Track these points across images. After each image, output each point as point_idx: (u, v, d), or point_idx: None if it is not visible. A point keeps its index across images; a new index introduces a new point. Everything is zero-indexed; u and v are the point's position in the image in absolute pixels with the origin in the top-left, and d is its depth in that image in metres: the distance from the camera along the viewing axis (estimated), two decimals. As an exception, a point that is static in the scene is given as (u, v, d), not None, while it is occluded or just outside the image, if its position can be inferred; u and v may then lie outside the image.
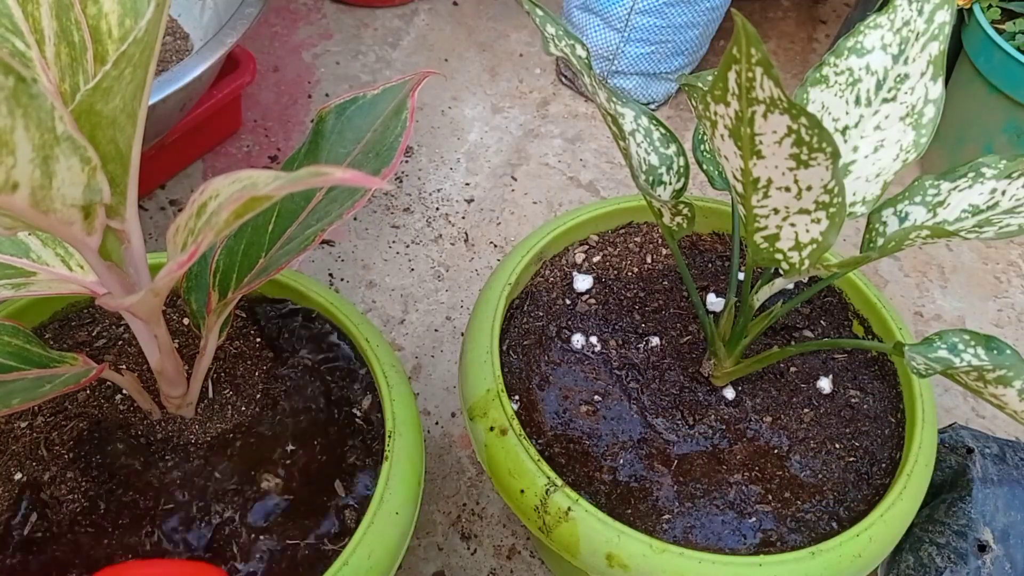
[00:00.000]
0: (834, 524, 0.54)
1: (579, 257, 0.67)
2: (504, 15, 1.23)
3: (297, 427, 0.54)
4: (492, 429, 0.55)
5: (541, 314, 0.64)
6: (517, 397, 0.59)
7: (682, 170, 0.56)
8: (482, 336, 0.59)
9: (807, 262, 0.45)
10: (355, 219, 0.94)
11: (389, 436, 0.53)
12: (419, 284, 0.90)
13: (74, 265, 0.46)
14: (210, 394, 0.55)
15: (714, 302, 0.66)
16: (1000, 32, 0.93)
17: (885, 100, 0.53)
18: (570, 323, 0.63)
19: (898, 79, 0.52)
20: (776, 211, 0.42)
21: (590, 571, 0.52)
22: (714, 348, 0.58)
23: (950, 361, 0.47)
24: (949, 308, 0.94)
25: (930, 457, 0.57)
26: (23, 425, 0.53)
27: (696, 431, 0.58)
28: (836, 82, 0.53)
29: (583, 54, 0.51)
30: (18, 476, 0.51)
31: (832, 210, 0.41)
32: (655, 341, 0.62)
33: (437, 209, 0.97)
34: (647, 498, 0.55)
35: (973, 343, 0.47)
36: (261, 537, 0.49)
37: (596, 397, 0.59)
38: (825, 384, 0.61)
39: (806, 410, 0.60)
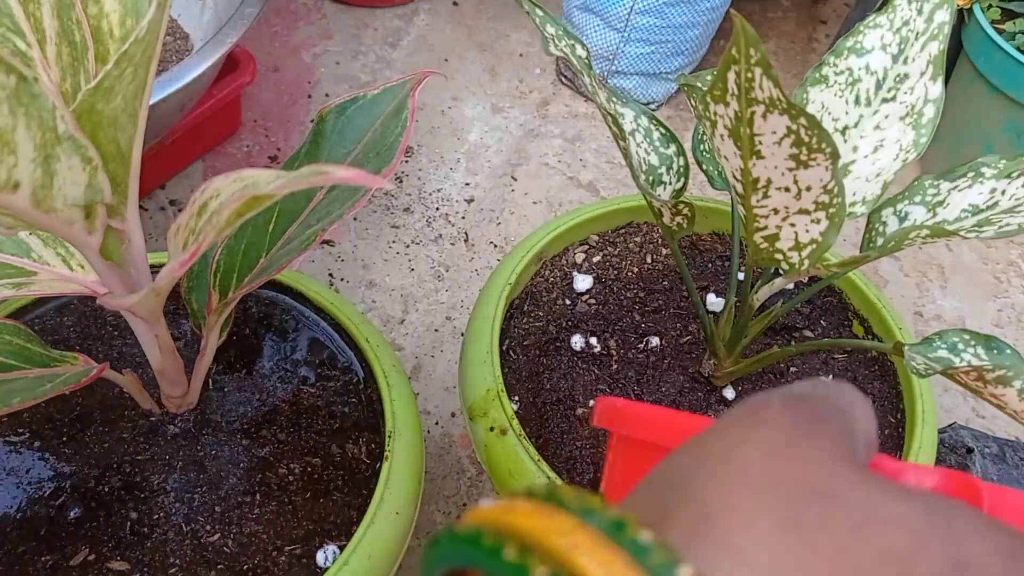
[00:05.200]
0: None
1: (579, 257, 0.67)
2: (504, 15, 1.23)
3: (296, 427, 0.54)
4: (492, 429, 0.55)
5: (541, 314, 0.64)
6: (517, 397, 0.59)
7: (682, 170, 0.56)
8: (482, 336, 0.59)
9: (807, 262, 0.45)
10: (355, 219, 0.94)
11: (389, 436, 0.53)
12: (419, 284, 0.90)
13: (75, 265, 0.46)
14: (210, 394, 0.55)
15: (714, 302, 0.66)
16: (1000, 32, 0.93)
17: (885, 100, 0.53)
18: (570, 323, 0.63)
19: (898, 79, 0.52)
20: (776, 211, 0.42)
21: (590, 571, 0.52)
22: (714, 348, 0.58)
23: (950, 361, 0.47)
24: (949, 308, 0.94)
25: (930, 457, 0.57)
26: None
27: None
28: (836, 82, 0.53)
29: (583, 54, 0.51)
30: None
31: (832, 210, 0.41)
32: (655, 341, 0.62)
33: (437, 209, 0.97)
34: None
35: (973, 343, 0.48)
36: (260, 537, 0.49)
37: (595, 398, 0.59)
38: (825, 384, 0.61)
39: (806, 410, 0.59)
